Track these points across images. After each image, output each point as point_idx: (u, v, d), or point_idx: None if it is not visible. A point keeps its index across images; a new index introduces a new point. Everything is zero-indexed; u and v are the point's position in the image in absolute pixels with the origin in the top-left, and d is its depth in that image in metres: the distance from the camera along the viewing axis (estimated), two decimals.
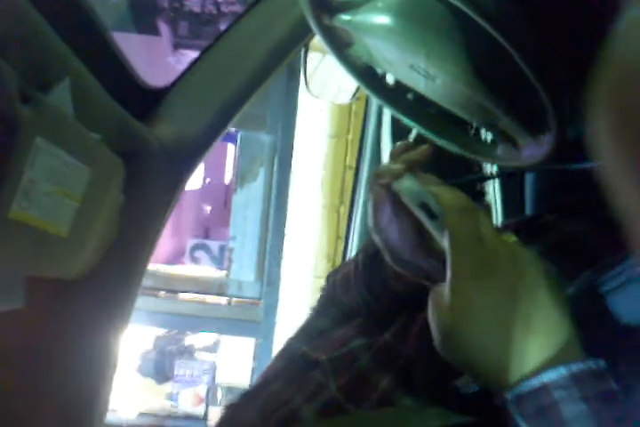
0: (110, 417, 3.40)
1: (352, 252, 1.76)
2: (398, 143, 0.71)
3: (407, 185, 0.61)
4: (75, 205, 0.53)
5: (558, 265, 0.56)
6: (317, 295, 0.97)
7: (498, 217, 1.28)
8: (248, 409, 0.77)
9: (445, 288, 0.53)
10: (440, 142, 0.93)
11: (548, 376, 0.48)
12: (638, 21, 0.27)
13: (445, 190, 0.58)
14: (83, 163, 0.53)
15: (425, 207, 0.58)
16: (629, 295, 0.56)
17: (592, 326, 0.53)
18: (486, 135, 0.92)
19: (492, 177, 1.19)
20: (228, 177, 6.49)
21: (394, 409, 0.66)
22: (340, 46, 0.85)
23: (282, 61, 0.91)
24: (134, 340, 4.11)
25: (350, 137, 3.16)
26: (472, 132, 0.95)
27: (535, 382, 0.48)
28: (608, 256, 0.59)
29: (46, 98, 0.48)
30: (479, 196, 1.36)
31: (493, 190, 1.31)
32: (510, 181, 1.23)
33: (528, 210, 1.16)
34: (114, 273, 0.74)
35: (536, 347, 0.50)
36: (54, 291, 0.64)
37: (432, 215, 0.57)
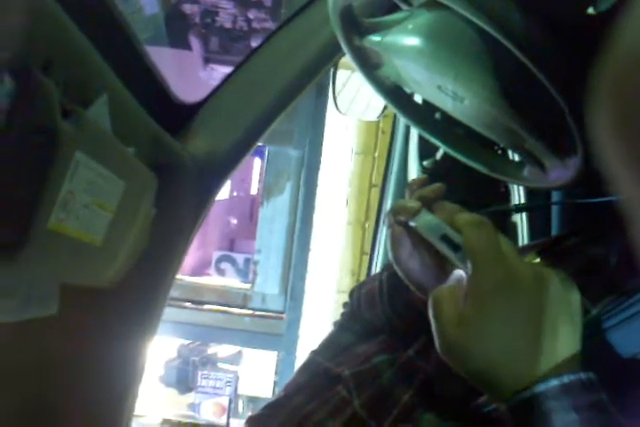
0: (133, 425, 3.40)
1: (377, 267, 1.76)
2: (413, 178, 0.72)
3: (425, 220, 0.61)
4: (109, 216, 0.55)
5: (580, 289, 0.56)
6: (340, 310, 0.98)
7: (524, 237, 1.28)
8: (270, 422, 0.78)
9: (456, 297, 0.54)
10: (467, 162, 0.93)
11: (540, 388, 0.50)
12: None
13: (462, 213, 0.59)
14: (118, 176, 0.55)
15: (446, 239, 0.58)
16: (627, 332, 0.58)
17: (593, 359, 0.54)
18: (513, 156, 0.93)
19: (518, 209, 1.19)
20: (254, 190, 6.53)
21: (416, 425, 0.67)
22: (370, 66, 0.86)
23: (312, 79, 0.92)
24: (158, 349, 4.13)
25: (377, 154, 3.17)
26: (499, 152, 0.95)
27: (528, 394, 0.50)
28: (630, 281, 0.60)
29: (86, 113, 0.50)
30: (506, 217, 1.36)
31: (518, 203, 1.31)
32: (536, 200, 1.23)
33: (554, 231, 1.16)
34: (143, 283, 0.76)
35: (538, 364, 0.51)
36: (85, 300, 0.66)
37: (454, 247, 0.58)
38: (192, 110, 0.88)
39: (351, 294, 0.95)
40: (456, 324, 0.53)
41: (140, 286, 0.75)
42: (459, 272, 0.57)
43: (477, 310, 0.53)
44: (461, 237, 0.56)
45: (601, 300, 0.63)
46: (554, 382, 0.50)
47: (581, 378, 0.51)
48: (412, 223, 0.62)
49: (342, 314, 0.96)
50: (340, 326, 0.93)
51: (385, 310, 0.84)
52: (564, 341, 0.53)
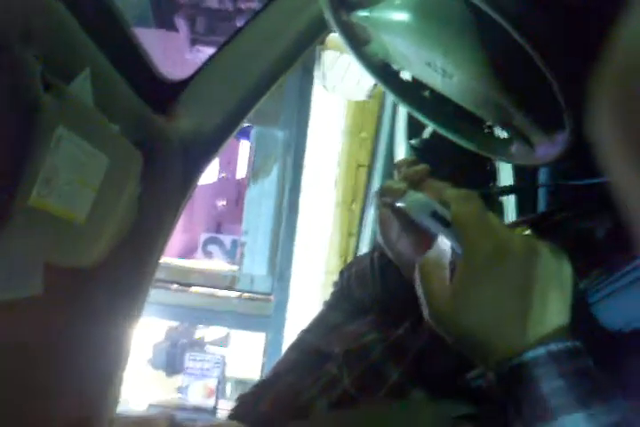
0: (120, 407, 3.41)
1: (364, 248, 1.77)
2: (400, 159, 0.72)
3: (412, 199, 0.61)
4: (93, 193, 0.54)
5: (572, 261, 0.57)
6: (329, 291, 0.98)
7: (511, 214, 1.28)
8: (262, 400, 0.78)
9: (443, 266, 0.56)
10: (455, 140, 0.93)
11: (528, 356, 0.51)
12: None
13: (450, 189, 0.59)
14: (102, 152, 0.54)
15: (435, 216, 0.58)
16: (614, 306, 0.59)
17: (579, 331, 0.55)
18: (501, 134, 0.93)
19: (503, 192, 1.19)
20: (240, 173, 6.51)
21: (405, 401, 0.67)
22: (358, 43, 0.85)
23: (298, 58, 0.91)
24: (146, 332, 4.14)
25: (364, 135, 3.16)
26: (487, 130, 0.95)
27: (516, 362, 0.52)
28: (618, 255, 0.61)
29: (68, 87, 0.49)
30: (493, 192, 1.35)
31: (507, 187, 1.31)
32: (525, 179, 1.23)
33: (541, 207, 1.16)
34: (128, 263, 0.75)
35: (527, 332, 0.53)
36: (70, 279, 0.65)
37: (444, 223, 0.58)
38: (177, 88, 0.86)
39: (341, 273, 0.96)
40: (447, 294, 0.54)
41: (126, 266, 0.74)
42: (442, 242, 0.58)
43: (469, 280, 0.54)
44: (450, 212, 0.56)
45: (589, 274, 0.64)
46: (541, 350, 0.51)
47: (568, 346, 0.52)
48: (399, 204, 0.62)
49: (332, 293, 0.96)
50: (330, 306, 0.93)
51: (376, 288, 0.84)
52: (554, 311, 0.54)
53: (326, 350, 0.79)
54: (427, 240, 0.64)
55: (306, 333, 0.89)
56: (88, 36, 0.55)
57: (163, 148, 0.76)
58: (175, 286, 3.54)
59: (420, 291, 0.57)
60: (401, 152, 1.44)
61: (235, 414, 0.81)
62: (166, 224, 0.82)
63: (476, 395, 0.58)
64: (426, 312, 0.56)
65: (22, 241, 0.45)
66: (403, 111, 1.46)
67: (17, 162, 0.41)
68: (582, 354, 0.52)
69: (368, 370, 0.72)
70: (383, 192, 0.66)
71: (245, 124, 0.94)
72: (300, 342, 0.88)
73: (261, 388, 0.82)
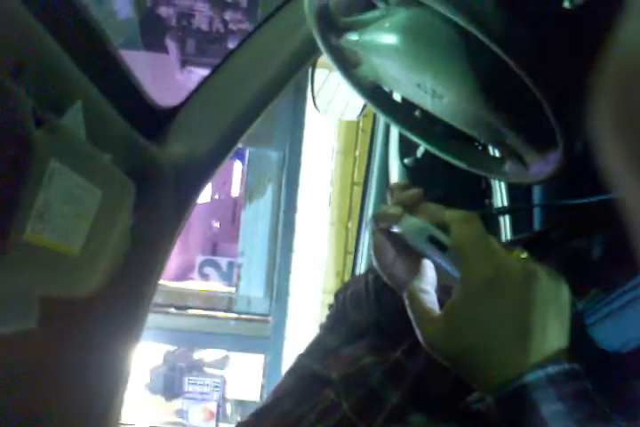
0: None
1: (361, 267, 1.76)
2: (393, 183, 0.72)
3: (408, 224, 0.61)
4: (87, 225, 0.54)
5: (570, 281, 0.57)
6: (326, 311, 0.97)
7: (507, 232, 1.28)
8: None
9: (454, 292, 0.54)
10: (448, 159, 0.93)
11: (527, 379, 0.51)
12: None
13: (449, 211, 0.59)
14: (95, 185, 0.54)
15: (432, 241, 0.58)
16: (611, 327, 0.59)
17: (577, 353, 0.55)
18: (494, 152, 0.93)
19: (503, 212, 1.20)
20: (235, 193, 6.51)
21: (404, 426, 0.66)
22: (348, 66, 0.86)
23: (290, 79, 0.92)
24: (144, 356, 4.11)
25: (358, 153, 3.17)
26: (480, 149, 0.95)
27: (515, 385, 0.51)
28: (615, 274, 0.60)
29: (59, 121, 0.49)
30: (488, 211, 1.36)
31: (502, 206, 1.31)
32: (519, 196, 1.23)
33: (537, 225, 1.16)
34: (125, 291, 0.75)
35: (526, 356, 0.52)
36: (66, 310, 0.65)
37: (441, 248, 0.57)
38: (169, 114, 0.87)
39: (336, 296, 0.95)
40: (440, 320, 0.54)
41: (123, 294, 0.74)
42: (429, 267, 0.58)
43: (466, 304, 0.54)
44: (448, 237, 0.56)
45: (586, 293, 0.64)
46: (540, 373, 0.51)
47: (566, 368, 0.52)
48: (395, 229, 0.62)
49: (327, 316, 0.95)
50: (326, 329, 0.93)
51: (372, 311, 0.83)
52: (553, 334, 0.53)
53: (323, 374, 0.78)
54: (425, 265, 0.63)
55: (303, 357, 0.88)
56: (78, 68, 0.55)
57: (155, 175, 0.76)
58: (172, 309, 3.52)
59: (411, 317, 0.57)
60: (394, 171, 1.44)
61: None
62: (162, 251, 0.82)
63: (476, 419, 0.58)
64: (420, 337, 0.56)
65: (17, 276, 0.45)
66: (395, 130, 1.46)
67: (10, 198, 0.41)
68: (581, 377, 0.52)
69: (366, 394, 0.71)
70: (378, 217, 0.66)
71: (239, 146, 0.94)
72: (297, 366, 0.87)
73: (259, 415, 0.81)
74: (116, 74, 0.74)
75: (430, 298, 0.57)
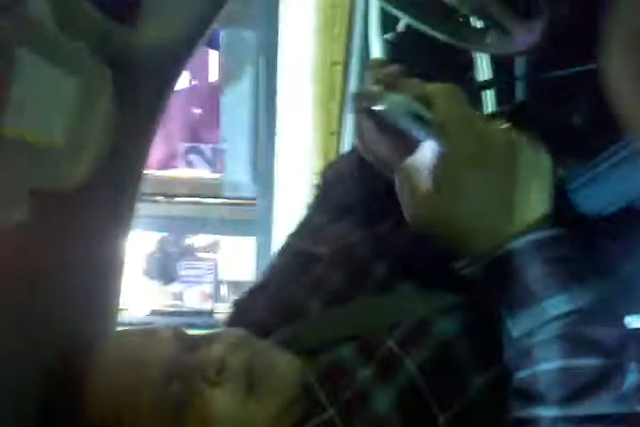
0: (122, 317, 3.52)
1: (345, 147, 1.76)
2: (371, 59, 0.71)
3: (390, 102, 0.60)
4: (67, 115, 0.53)
5: (547, 151, 0.58)
6: (313, 192, 0.98)
7: (490, 105, 1.28)
8: (255, 306, 0.80)
9: (428, 166, 0.56)
10: (429, 32, 0.91)
11: (512, 245, 0.54)
12: None
13: (431, 85, 0.59)
14: (69, 74, 0.52)
15: (415, 116, 0.58)
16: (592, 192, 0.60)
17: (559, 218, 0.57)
18: (476, 24, 0.90)
19: (486, 86, 1.18)
20: (213, 78, 6.33)
21: (394, 295, 0.69)
22: None
23: None
24: (138, 244, 4.18)
25: (336, 31, 3.06)
26: (462, 20, 0.92)
27: (501, 250, 0.54)
28: (596, 141, 0.61)
29: (22, 7, 0.46)
30: (471, 84, 1.34)
31: (484, 78, 1.30)
32: (500, 69, 1.21)
33: (520, 97, 1.15)
34: (112, 181, 0.75)
35: (511, 223, 0.55)
36: (55, 203, 0.65)
37: (424, 123, 0.57)
38: None
39: (321, 175, 0.96)
40: (431, 190, 0.56)
41: (110, 184, 0.74)
42: (424, 148, 0.58)
43: (453, 173, 0.55)
44: (430, 111, 0.56)
45: (567, 161, 0.65)
46: (525, 239, 0.54)
47: (550, 234, 0.54)
48: (377, 107, 0.61)
49: (314, 196, 0.96)
50: (313, 208, 0.94)
51: (357, 189, 0.84)
52: (535, 200, 0.56)
53: (312, 251, 0.80)
54: (406, 143, 0.64)
55: (291, 236, 0.90)
56: None
57: (131, 60, 0.74)
58: (160, 197, 3.54)
59: (401, 194, 0.58)
60: (376, 47, 1.40)
61: (230, 321, 0.83)
62: (144, 138, 0.81)
63: (463, 285, 0.61)
64: (408, 213, 0.58)
65: (3, 171, 0.45)
66: (375, 4, 1.40)
67: None
68: (564, 241, 0.54)
69: (355, 267, 0.74)
70: (358, 96, 0.66)
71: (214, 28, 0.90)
72: (287, 245, 0.89)
73: (253, 293, 0.84)
74: None
75: (423, 176, 0.57)
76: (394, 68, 0.66)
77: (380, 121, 0.65)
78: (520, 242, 0.53)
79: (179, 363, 0.63)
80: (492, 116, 0.89)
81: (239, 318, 0.82)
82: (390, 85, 0.63)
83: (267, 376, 0.63)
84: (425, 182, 0.56)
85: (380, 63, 0.68)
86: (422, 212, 0.57)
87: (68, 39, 0.54)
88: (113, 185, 0.76)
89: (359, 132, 0.70)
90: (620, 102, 0.30)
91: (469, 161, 0.54)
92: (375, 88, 0.63)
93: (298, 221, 0.93)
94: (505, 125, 0.60)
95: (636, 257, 0.66)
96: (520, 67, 1.09)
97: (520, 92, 1.13)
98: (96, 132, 0.63)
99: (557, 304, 0.52)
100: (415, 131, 0.58)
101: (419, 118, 0.57)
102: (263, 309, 0.78)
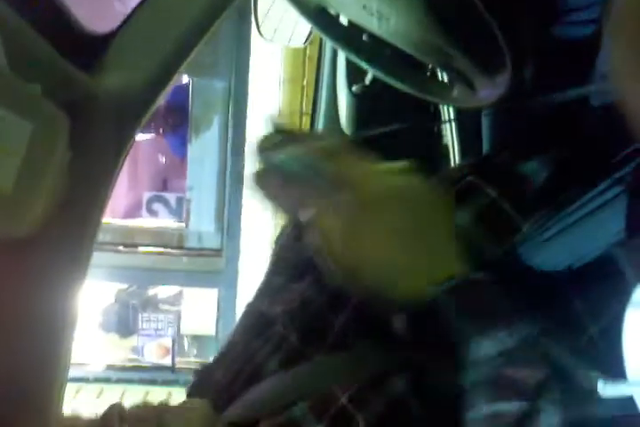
0: (77, 371, 3.41)
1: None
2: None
3: (290, 153, 0.60)
4: (17, 162, 0.51)
5: (515, 204, 0.59)
6: (269, 256, 0.99)
7: (455, 157, 1.29)
8: (216, 371, 0.79)
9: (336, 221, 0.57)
10: (396, 84, 0.91)
11: (431, 293, 0.54)
12: None
13: (327, 141, 0.61)
14: (22, 118, 0.50)
15: (314, 169, 0.58)
16: (583, 230, 0.60)
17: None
18: (443, 77, 0.91)
19: (448, 121, 1.19)
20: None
21: (349, 352, 0.69)
22: None
23: (230, 3, 0.87)
24: (95, 296, 4.08)
25: (305, 82, 3.10)
26: (428, 74, 0.94)
27: (419, 301, 0.54)
28: (560, 195, 0.62)
29: None
30: (437, 138, 1.35)
31: (451, 132, 1.31)
32: (467, 122, 1.23)
33: (486, 148, 1.16)
34: (66, 229, 0.72)
35: (425, 270, 0.56)
36: (3, 250, 0.63)
37: (323, 175, 0.57)
38: (103, 42, 0.82)
39: (276, 239, 0.97)
40: (339, 245, 0.57)
41: (63, 232, 0.72)
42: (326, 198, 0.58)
43: (354, 230, 0.56)
44: (330, 164, 0.57)
45: (532, 215, 0.65)
46: (442, 286, 0.54)
47: (466, 279, 0.55)
48: (276, 159, 0.61)
49: (271, 259, 0.97)
50: (270, 272, 0.94)
51: (304, 248, 0.84)
52: (441, 250, 0.57)
53: (271, 312, 0.80)
54: (307, 194, 0.63)
55: (254, 300, 0.90)
56: None
57: (90, 107, 0.72)
58: (122, 247, 3.48)
59: (316, 251, 0.59)
60: (342, 99, 1.41)
61: (192, 389, 0.82)
62: (103, 186, 0.79)
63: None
64: (328, 267, 0.58)
65: None
66: (342, 56, 1.42)
67: None
68: (482, 284, 0.55)
69: (310, 324, 0.73)
70: (260, 147, 0.66)
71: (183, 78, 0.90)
72: (249, 308, 0.89)
73: (216, 359, 0.84)
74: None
75: (327, 230, 0.58)
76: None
77: (281, 174, 0.64)
78: (437, 289, 0.53)
79: None
80: (458, 169, 0.89)
81: (200, 384, 0.81)
82: (291, 138, 0.63)
83: None
84: (332, 236, 0.56)
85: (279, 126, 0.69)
86: (337, 264, 0.58)
87: (24, 81, 0.53)
88: (68, 233, 0.74)
89: (259, 183, 0.69)
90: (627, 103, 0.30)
91: (369, 212, 0.55)
92: (276, 137, 0.63)
93: (258, 286, 0.93)
94: (407, 171, 0.60)
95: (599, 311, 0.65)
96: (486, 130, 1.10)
97: (486, 142, 1.14)
98: (50, 178, 0.61)
99: (482, 346, 0.52)
100: (315, 183, 0.58)
101: (318, 171, 0.57)
102: (223, 373, 0.76)
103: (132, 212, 4.96)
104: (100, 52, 0.81)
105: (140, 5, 0.84)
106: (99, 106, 0.74)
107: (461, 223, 0.65)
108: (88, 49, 0.79)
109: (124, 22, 0.83)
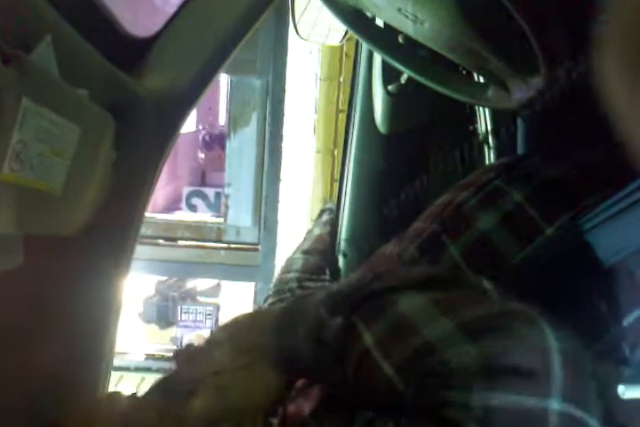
0: (119, 361, 3.48)
1: (347, 195, 1.76)
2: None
3: None
4: (66, 163, 0.54)
5: (540, 208, 0.58)
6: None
7: (490, 158, 1.29)
8: None
9: None
10: (431, 85, 0.92)
11: None
12: None
13: None
14: (71, 121, 0.53)
15: None
16: (608, 232, 0.59)
17: (573, 263, 0.56)
18: (478, 78, 0.92)
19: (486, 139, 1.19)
20: (221, 121, 6.41)
21: None
22: None
23: (270, 4, 0.89)
24: (136, 287, 4.16)
25: (342, 79, 3.11)
26: (464, 74, 0.94)
27: None
28: (586, 198, 0.61)
29: (29, 57, 0.47)
30: (472, 136, 1.35)
31: (486, 131, 1.31)
32: (503, 122, 1.23)
33: (520, 150, 1.16)
34: (111, 226, 0.75)
35: None
36: (53, 246, 0.65)
37: None
38: (146, 45, 0.84)
39: None
40: None
41: (109, 228, 0.75)
42: None
43: None
44: None
45: (559, 217, 0.65)
46: None
47: None
48: None
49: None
50: None
51: None
52: None
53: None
54: None
55: None
56: (45, 0, 0.53)
57: (135, 108, 0.75)
58: (162, 240, 3.54)
59: None
60: (378, 97, 1.42)
61: None
62: (146, 184, 0.82)
63: None
64: None
65: (1, 216, 0.45)
66: (378, 56, 1.43)
67: None
68: None
69: None
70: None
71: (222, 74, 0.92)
72: None
73: None
74: (85, 5, 0.71)
75: None
76: None
77: None
78: None
79: None
80: (490, 169, 0.89)
81: None
82: None
83: None
84: None
85: None
86: None
87: (72, 86, 0.55)
88: (113, 229, 0.76)
89: None
90: (617, 116, 0.30)
91: None
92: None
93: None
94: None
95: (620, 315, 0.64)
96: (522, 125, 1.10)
97: (521, 144, 1.14)
98: (96, 178, 0.63)
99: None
100: None
101: None
102: None
103: (171, 206, 5.03)
104: (143, 54, 0.83)
105: (180, 8, 0.86)
106: (142, 107, 0.76)
107: (486, 227, 0.65)
108: (132, 52, 0.81)
109: (166, 25, 0.86)
